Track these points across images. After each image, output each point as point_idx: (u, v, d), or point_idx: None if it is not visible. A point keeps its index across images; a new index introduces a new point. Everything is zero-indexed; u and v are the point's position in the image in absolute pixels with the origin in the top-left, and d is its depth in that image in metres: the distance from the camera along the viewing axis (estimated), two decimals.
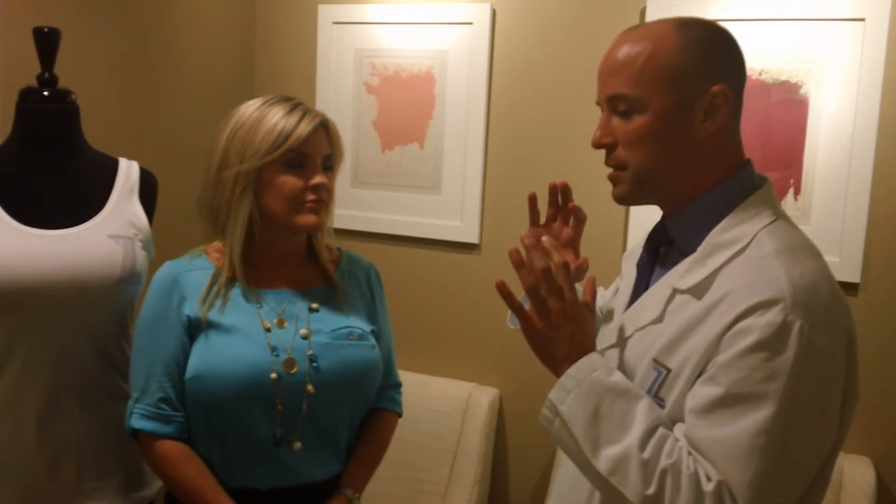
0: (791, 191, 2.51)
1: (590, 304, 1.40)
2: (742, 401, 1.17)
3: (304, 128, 1.67)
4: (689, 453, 1.20)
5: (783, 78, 2.48)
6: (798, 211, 2.49)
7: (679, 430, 1.24)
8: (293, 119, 1.67)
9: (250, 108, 1.72)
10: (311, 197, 1.69)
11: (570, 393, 1.28)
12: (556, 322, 1.32)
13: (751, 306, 1.18)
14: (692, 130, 1.30)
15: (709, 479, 1.17)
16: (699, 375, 1.22)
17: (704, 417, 1.19)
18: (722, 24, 1.36)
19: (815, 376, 1.18)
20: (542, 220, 1.65)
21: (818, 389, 1.19)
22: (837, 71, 2.43)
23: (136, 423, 1.69)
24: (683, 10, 2.46)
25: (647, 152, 1.32)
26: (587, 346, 1.33)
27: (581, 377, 1.28)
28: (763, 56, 2.49)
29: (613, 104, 1.34)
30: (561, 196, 1.62)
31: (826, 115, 2.46)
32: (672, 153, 1.31)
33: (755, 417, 1.16)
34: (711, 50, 1.30)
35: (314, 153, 1.70)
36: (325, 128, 1.73)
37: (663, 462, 1.19)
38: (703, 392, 1.20)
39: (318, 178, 1.69)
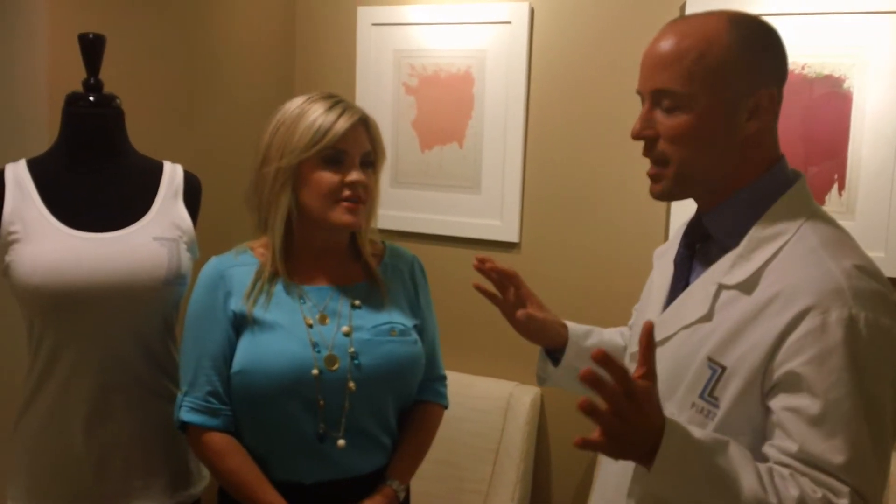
0: (835, 186, 2.47)
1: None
2: (846, 404, 1.15)
3: (342, 125, 1.68)
4: (803, 474, 1.16)
5: (826, 72, 2.45)
6: (842, 206, 2.46)
7: (771, 450, 1.20)
8: (332, 116, 1.69)
9: (293, 104, 1.74)
10: (347, 193, 1.70)
11: (668, 475, 1.15)
12: (628, 414, 1.11)
13: (809, 305, 1.18)
14: (736, 129, 1.29)
15: (837, 494, 1.15)
16: (763, 377, 1.21)
17: (817, 430, 1.17)
18: (765, 18, 1.35)
19: (894, 355, 1.19)
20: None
21: None
22: (881, 64, 2.40)
23: (185, 415, 1.72)
24: (723, 5, 2.45)
25: (690, 150, 1.30)
26: (661, 416, 1.16)
27: (673, 456, 1.15)
28: (805, 50, 2.46)
29: (657, 98, 1.32)
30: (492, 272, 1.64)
31: (870, 109, 2.42)
32: (715, 151, 1.31)
33: (866, 417, 1.16)
34: (761, 50, 1.29)
35: (352, 150, 1.71)
36: (364, 125, 1.75)
37: (791, 495, 1.14)
38: (801, 405, 1.17)
39: (355, 175, 1.70)
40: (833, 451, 1.16)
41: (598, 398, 1.09)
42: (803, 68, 2.46)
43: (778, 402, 1.20)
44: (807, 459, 1.17)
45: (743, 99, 1.28)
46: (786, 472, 1.17)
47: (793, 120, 2.46)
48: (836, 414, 1.16)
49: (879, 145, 2.42)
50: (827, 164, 2.47)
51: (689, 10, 2.54)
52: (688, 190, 1.37)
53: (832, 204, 2.46)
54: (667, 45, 1.31)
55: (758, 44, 1.29)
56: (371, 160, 1.77)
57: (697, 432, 1.18)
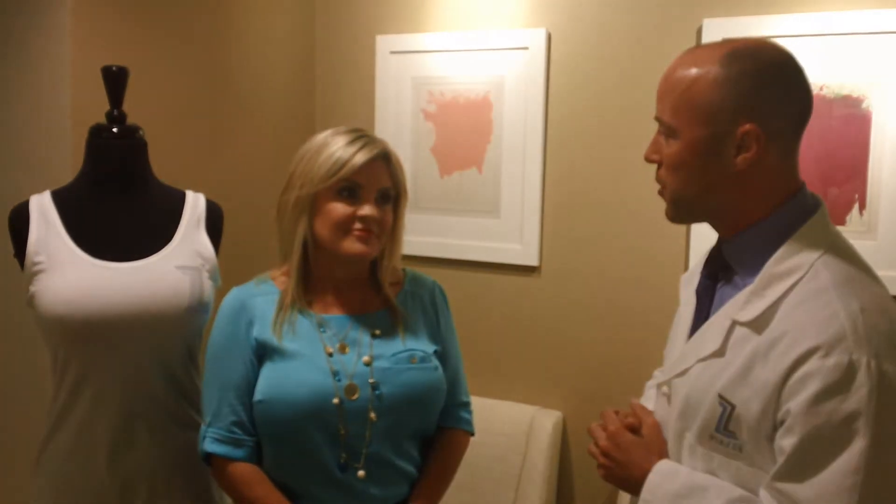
0: (856, 205, 2.46)
1: (636, 422, 1.49)
2: (826, 445, 1.16)
3: (360, 158, 1.69)
4: None
5: (844, 92, 2.45)
6: (864, 226, 2.45)
7: (762, 493, 1.23)
8: (351, 149, 1.70)
9: (319, 136, 1.76)
10: (357, 226, 1.71)
11: None
12: (612, 453, 1.45)
13: (811, 347, 1.18)
14: (724, 164, 1.29)
15: None
16: (773, 419, 1.21)
17: (792, 469, 1.18)
18: (782, 42, 1.34)
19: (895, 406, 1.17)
20: None
21: None
22: None
23: (210, 446, 1.72)
24: (739, 29, 2.47)
25: (678, 178, 1.34)
26: (650, 462, 1.40)
27: (650, 497, 1.37)
28: (823, 71, 2.46)
29: (660, 125, 1.36)
30: None
31: (890, 128, 2.41)
32: (705, 182, 1.32)
33: (843, 458, 1.15)
34: (751, 87, 1.27)
35: (368, 184, 1.71)
36: (385, 160, 1.75)
37: None
38: (786, 444, 1.19)
39: (367, 209, 1.71)
40: (804, 489, 1.17)
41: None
42: (822, 89, 2.46)
43: (776, 441, 1.21)
44: (784, 495, 1.19)
45: (728, 134, 1.28)
46: None
47: (812, 140, 2.46)
48: (814, 454, 1.16)
49: None
50: (847, 184, 2.46)
51: (705, 35, 2.55)
52: (688, 215, 1.41)
53: (853, 224, 2.45)
54: (668, 75, 1.35)
55: (747, 82, 1.27)
56: (390, 195, 1.77)
57: (681, 477, 1.34)
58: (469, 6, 2.97)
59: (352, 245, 1.72)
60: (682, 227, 2.66)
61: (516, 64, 2.89)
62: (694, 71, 1.30)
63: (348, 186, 1.70)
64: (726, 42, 1.33)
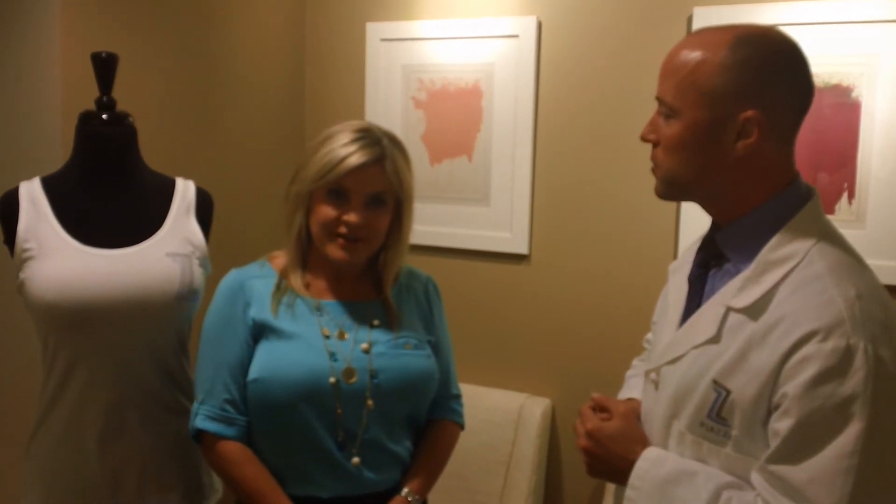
0: (845, 194, 2.47)
1: (608, 415, 1.49)
2: (821, 428, 1.16)
3: (351, 162, 1.67)
4: (767, 500, 1.20)
5: (834, 81, 2.46)
6: (852, 215, 2.46)
7: (754, 477, 1.24)
8: (346, 150, 1.68)
9: (331, 128, 1.75)
10: (341, 231, 1.70)
11: (636, 502, 1.36)
12: (593, 450, 1.45)
13: (809, 332, 1.18)
14: (724, 149, 1.29)
15: None
16: (769, 403, 1.22)
17: (786, 451, 1.18)
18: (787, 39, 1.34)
19: (892, 391, 1.17)
20: None
21: None
22: (890, 73, 2.40)
23: (201, 423, 1.72)
24: (729, 18, 2.47)
25: (675, 159, 1.33)
26: (633, 452, 1.40)
27: (639, 484, 1.36)
28: (813, 60, 2.43)
29: (659, 105, 1.36)
30: None
31: (879, 117, 2.42)
32: (701, 166, 1.32)
33: (839, 441, 1.15)
34: (757, 73, 1.27)
35: (356, 188, 1.70)
36: (380, 164, 1.71)
37: None
38: (781, 427, 1.19)
39: (352, 216, 1.70)
40: (797, 472, 1.17)
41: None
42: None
43: (770, 424, 1.22)
44: (777, 477, 1.19)
45: (729, 121, 1.28)
46: (750, 496, 1.22)
47: (802, 129, 2.45)
48: (809, 437, 1.16)
49: (889, 154, 2.42)
50: (837, 173, 2.47)
51: (695, 23, 2.55)
52: (679, 195, 1.42)
53: (842, 213, 2.46)
54: (673, 55, 1.33)
55: (753, 68, 1.27)
56: (383, 200, 1.74)
57: (670, 463, 1.34)
58: None
59: (335, 251, 1.72)
60: (672, 215, 2.66)
61: (506, 52, 2.88)
62: (700, 53, 1.29)
63: (336, 189, 1.70)
64: (734, 27, 1.32)
